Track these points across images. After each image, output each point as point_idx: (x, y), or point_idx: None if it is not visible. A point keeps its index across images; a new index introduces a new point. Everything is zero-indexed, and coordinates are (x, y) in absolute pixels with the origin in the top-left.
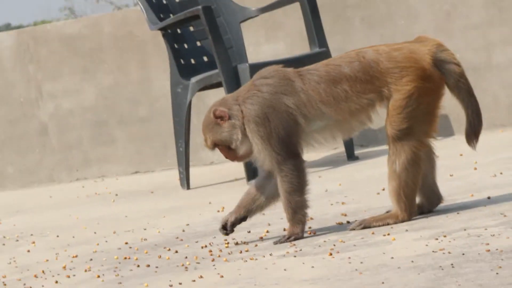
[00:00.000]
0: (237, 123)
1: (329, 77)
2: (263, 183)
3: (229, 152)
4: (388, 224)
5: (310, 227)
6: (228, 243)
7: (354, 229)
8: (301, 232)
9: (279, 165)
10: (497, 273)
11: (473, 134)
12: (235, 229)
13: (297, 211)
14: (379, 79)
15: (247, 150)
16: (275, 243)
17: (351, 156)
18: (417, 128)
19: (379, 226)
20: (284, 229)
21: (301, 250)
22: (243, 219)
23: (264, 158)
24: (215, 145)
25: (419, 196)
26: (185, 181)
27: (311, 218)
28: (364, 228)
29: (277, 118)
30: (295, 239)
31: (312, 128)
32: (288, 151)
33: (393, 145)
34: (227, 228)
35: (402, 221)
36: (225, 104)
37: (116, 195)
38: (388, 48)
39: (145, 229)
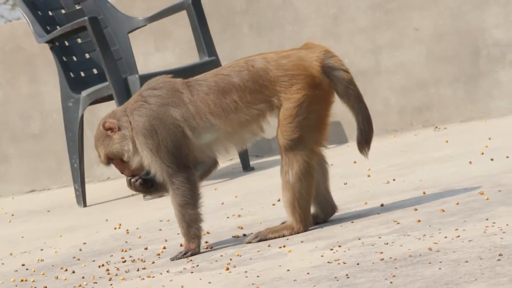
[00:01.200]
0: (127, 133)
1: (218, 88)
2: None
3: (123, 165)
4: (284, 235)
5: (206, 242)
6: (125, 260)
7: (250, 242)
8: (197, 247)
9: (170, 178)
10: (391, 282)
11: (364, 141)
12: (132, 247)
13: (191, 225)
14: (269, 88)
15: (139, 162)
16: (172, 259)
17: (246, 167)
18: (308, 137)
19: (275, 238)
20: (181, 245)
21: (198, 265)
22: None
23: (155, 170)
24: (108, 159)
25: (313, 207)
26: (81, 198)
27: (208, 232)
28: (260, 240)
29: (165, 130)
30: (192, 254)
31: (202, 141)
32: (179, 164)
33: (285, 155)
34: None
35: (298, 232)
36: (114, 116)
37: (12, 215)
38: (277, 56)
39: (42, 250)
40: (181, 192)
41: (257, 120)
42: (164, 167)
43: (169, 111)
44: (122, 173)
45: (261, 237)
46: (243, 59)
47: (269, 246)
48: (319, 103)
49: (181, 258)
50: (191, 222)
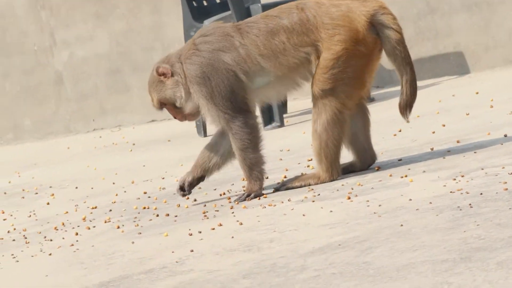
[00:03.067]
0: (180, 80)
1: (267, 29)
2: (217, 141)
3: (176, 111)
4: (309, 184)
5: None
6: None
7: (278, 190)
8: (259, 189)
9: (228, 123)
10: None
11: (405, 105)
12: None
13: (253, 167)
14: (314, 33)
15: (193, 108)
16: (235, 201)
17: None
18: (341, 90)
19: (301, 186)
20: (302, 174)
21: (319, 194)
22: (200, 178)
23: (212, 117)
24: (161, 104)
25: (352, 155)
26: (202, 128)
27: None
28: (287, 189)
29: (217, 76)
30: (255, 196)
31: (256, 84)
32: (235, 108)
33: (316, 104)
34: (184, 189)
35: (323, 182)
36: (168, 61)
37: (134, 144)
38: (329, 3)
39: (163, 178)
40: (240, 137)
41: (304, 64)
42: (221, 114)
43: (220, 56)
44: (175, 117)
45: (288, 185)
46: (295, 2)
47: (390, 175)
48: (360, 58)
49: (243, 200)
50: (252, 165)
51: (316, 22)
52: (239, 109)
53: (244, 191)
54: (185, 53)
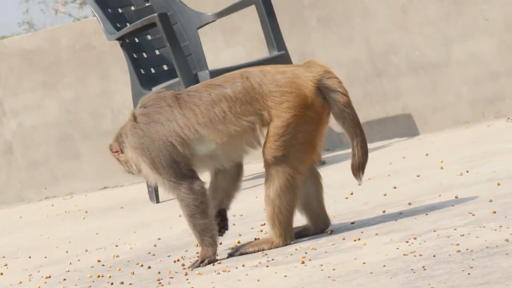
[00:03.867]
0: (129, 154)
1: (208, 98)
2: (215, 180)
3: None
4: (263, 249)
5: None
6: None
7: (232, 255)
8: (213, 255)
9: (173, 191)
10: (468, 274)
11: (357, 166)
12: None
13: (204, 233)
14: (259, 102)
15: (147, 177)
16: (189, 267)
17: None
18: (293, 156)
19: (255, 251)
20: (255, 239)
21: (273, 259)
22: (220, 212)
23: (160, 185)
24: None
25: (306, 219)
26: (154, 194)
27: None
28: (241, 254)
29: (155, 147)
30: (209, 262)
31: (198, 152)
32: (178, 176)
33: (268, 170)
34: (221, 225)
35: (277, 247)
36: (117, 138)
37: (86, 212)
38: (274, 70)
39: (116, 246)
40: (186, 203)
41: (249, 133)
42: (166, 182)
43: (157, 128)
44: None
45: (242, 251)
46: (240, 71)
47: (344, 239)
48: (309, 124)
49: (198, 266)
50: (202, 231)
51: (262, 91)
52: (182, 176)
53: (198, 257)
54: (127, 125)
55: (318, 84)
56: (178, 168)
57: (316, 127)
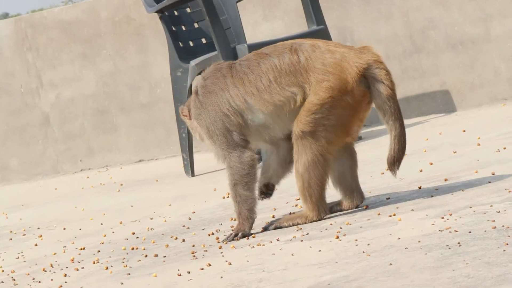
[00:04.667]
0: (194, 123)
1: (256, 68)
2: (268, 159)
3: None
4: (297, 224)
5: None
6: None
7: (267, 229)
8: (248, 229)
9: (224, 159)
10: (504, 250)
11: (393, 160)
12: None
13: (242, 205)
14: (303, 75)
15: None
16: (223, 241)
17: None
18: (321, 135)
19: (289, 226)
20: (290, 213)
21: (307, 234)
22: (267, 185)
23: (213, 152)
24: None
25: (341, 194)
26: (189, 168)
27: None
28: (275, 228)
29: (210, 116)
30: (243, 236)
31: (249, 122)
32: (230, 145)
33: (296, 144)
34: (264, 191)
35: (311, 221)
36: (188, 103)
37: (121, 184)
38: (324, 47)
39: (151, 219)
40: (232, 172)
41: (292, 104)
42: (218, 149)
43: (213, 98)
44: None
45: (277, 225)
46: (291, 41)
47: (379, 214)
48: (345, 109)
49: (231, 240)
50: (242, 202)
51: (307, 65)
52: (234, 145)
53: (232, 230)
54: (191, 97)
55: (364, 72)
56: (231, 137)
57: (352, 113)
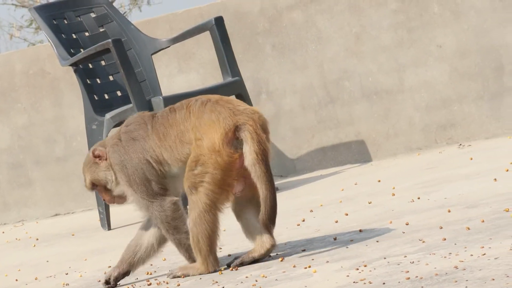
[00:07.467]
0: (109, 168)
1: (168, 121)
2: (141, 234)
3: (106, 193)
4: (189, 274)
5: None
6: (150, 283)
7: (168, 277)
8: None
9: (147, 209)
10: None
11: (265, 221)
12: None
13: (178, 248)
14: (189, 133)
15: (121, 191)
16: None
17: None
18: (204, 192)
19: (183, 276)
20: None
21: (223, 287)
22: (126, 273)
23: (134, 203)
24: (93, 185)
25: (252, 242)
26: (106, 221)
27: (229, 255)
28: (173, 277)
29: (133, 164)
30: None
31: (167, 173)
32: (150, 195)
33: (188, 199)
34: (110, 283)
35: (201, 274)
36: (104, 145)
37: (37, 239)
38: (211, 106)
39: (67, 274)
40: (160, 221)
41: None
42: (140, 199)
43: (136, 145)
44: (103, 199)
45: (174, 274)
46: (197, 97)
47: (294, 266)
48: (215, 168)
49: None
50: (181, 245)
51: (194, 123)
52: (154, 194)
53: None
54: (111, 140)
55: (235, 133)
56: (150, 186)
57: (225, 172)
